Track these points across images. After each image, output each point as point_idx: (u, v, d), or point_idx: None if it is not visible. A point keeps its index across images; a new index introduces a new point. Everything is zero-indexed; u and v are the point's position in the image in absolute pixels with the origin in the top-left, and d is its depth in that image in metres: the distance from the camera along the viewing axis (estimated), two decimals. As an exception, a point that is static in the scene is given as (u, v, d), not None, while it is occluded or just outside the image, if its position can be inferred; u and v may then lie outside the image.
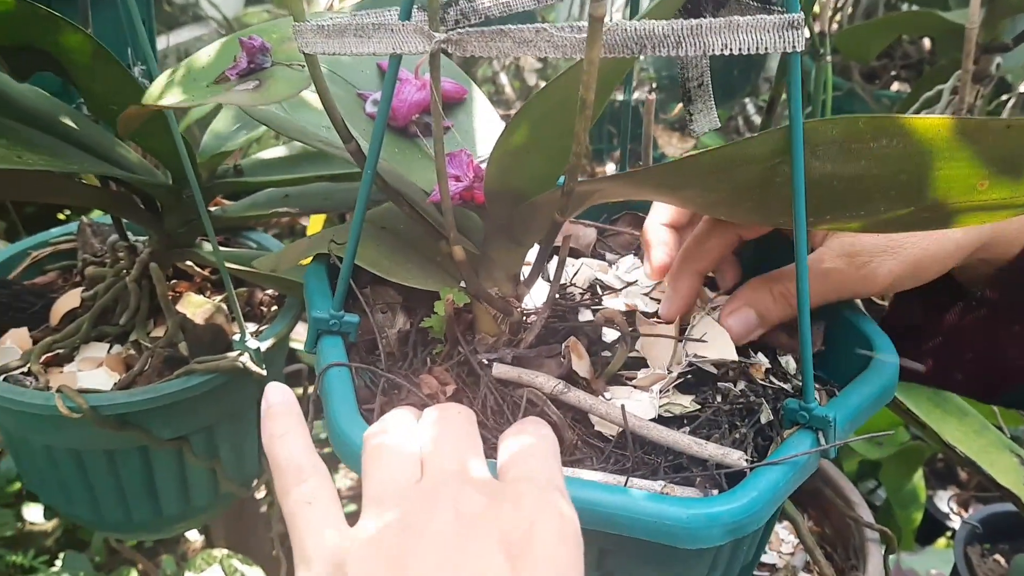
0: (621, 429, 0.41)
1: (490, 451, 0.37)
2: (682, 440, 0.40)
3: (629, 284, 0.52)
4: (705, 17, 0.38)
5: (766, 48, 0.34)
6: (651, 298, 0.51)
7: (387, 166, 0.48)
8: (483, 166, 0.42)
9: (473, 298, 0.45)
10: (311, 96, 0.52)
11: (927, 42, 1.40)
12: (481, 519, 0.30)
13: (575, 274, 0.53)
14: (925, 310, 0.51)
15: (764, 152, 0.36)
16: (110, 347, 0.65)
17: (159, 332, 0.66)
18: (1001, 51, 0.89)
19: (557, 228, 0.41)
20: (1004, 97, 1.02)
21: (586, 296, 0.51)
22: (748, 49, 0.34)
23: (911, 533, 1.15)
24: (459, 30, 0.36)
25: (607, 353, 0.46)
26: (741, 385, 0.44)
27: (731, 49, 0.34)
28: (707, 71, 0.45)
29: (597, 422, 0.42)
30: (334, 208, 0.66)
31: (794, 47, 0.34)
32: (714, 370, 0.45)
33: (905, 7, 1.31)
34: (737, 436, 0.41)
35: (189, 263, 0.71)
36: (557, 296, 0.50)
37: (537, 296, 0.49)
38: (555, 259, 0.46)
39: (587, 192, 0.42)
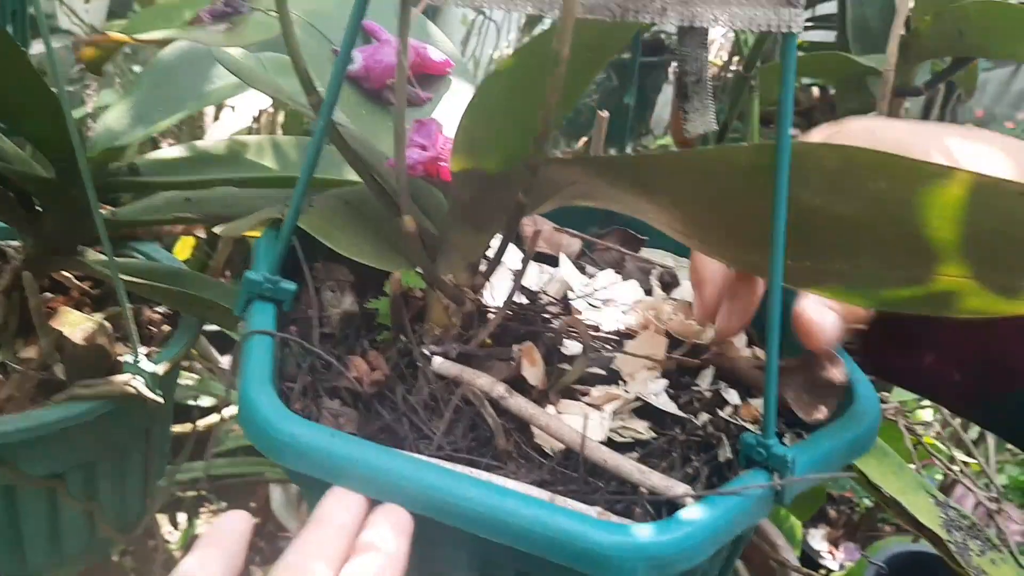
0: (564, 446, 0.38)
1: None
2: (626, 465, 0.37)
3: (605, 300, 0.50)
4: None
5: (758, 26, 0.31)
6: (625, 316, 0.49)
7: (351, 128, 0.45)
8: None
9: (427, 285, 0.42)
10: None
11: (816, 90, 1.47)
12: None
13: (548, 280, 0.51)
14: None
15: (750, 164, 0.33)
16: (-30, 369, 0.58)
17: (30, 352, 0.59)
18: (913, 95, 0.91)
19: (520, 212, 0.38)
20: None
21: (556, 305, 0.48)
22: (740, 25, 0.31)
23: (789, 572, 1.16)
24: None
25: (566, 366, 0.43)
26: (704, 418, 0.41)
27: (721, 23, 0.32)
28: (706, 66, 0.43)
29: (538, 434, 0.39)
30: (240, 215, 0.61)
31: (789, 27, 0.31)
32: (676, 406, 0.42)
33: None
34: (689, 470, 0.38)
35: (66, 274, 0.65)
36: (525, 300, 0.48)
37: (499, 294, 0.46)
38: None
39: (558, 179, 0.39)
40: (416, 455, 0.36)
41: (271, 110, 1.37)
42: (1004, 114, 2.72)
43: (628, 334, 0.47)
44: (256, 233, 0.47)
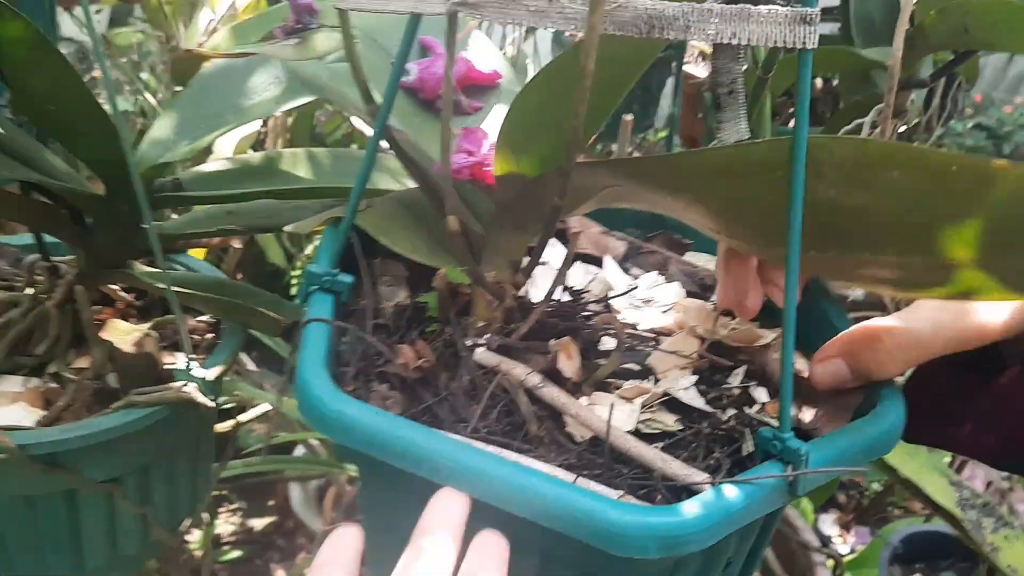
0: (592, 434, 0.40)
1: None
2: (649, 453, 0.39)
3: (646, 300, 0.52)
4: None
5: (775, 42, 0.33)
6: (664, 316, 0.50)
7: (405, 134, 0.48)
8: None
9: (472, 281, 0.45)
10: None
11: (819, 81, 1.47)
12: None
13: (591, 280, 0.53)
14: (959, 376, 0.48)
15: (767, 160, 0.34)
16: (25, 380, 0.59)
17: (81, 363, 0.61)
18: (919, 87, 0.93)
19: (556, 213, 0.40)
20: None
21: (597, 303, 0.51)
22: (757, 41, 0.33)
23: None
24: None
25: (602, 361, 0.45)
26: (730, 413, 0.43)
27: (740, 39, 0.33)
28: (739, 78, 0.44)
29: (570, 423, 0.41)
30: (279, 226, 0.62)
31: (804, 43, 0.33)
32: (703, 401, 0.43)
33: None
34: (711, 462, 0.40)
35: (113, 287, 0.66)
36: (568, 298, 0.50)
37: (542, 290, 0.48)
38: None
39: (588, 182, 0.41)
40: (452, 435, 0.38)
41: (278, 115, 1.38)
42: (1002, 98, 2.73)
43: (665, 333, 0.49)
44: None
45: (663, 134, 2.46)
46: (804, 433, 0.41)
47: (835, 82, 1.41)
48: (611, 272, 0.55)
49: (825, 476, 0.38)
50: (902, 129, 1.04)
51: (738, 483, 0.35)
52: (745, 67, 0.35)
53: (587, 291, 0.52)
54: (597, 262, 0.56)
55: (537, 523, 0.34)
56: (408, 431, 0.36)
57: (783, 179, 0.34)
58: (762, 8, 0.33)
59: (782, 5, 0.41)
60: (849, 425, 0.41)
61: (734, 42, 0.33)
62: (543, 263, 0.51)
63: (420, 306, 0.48)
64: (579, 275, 0.54)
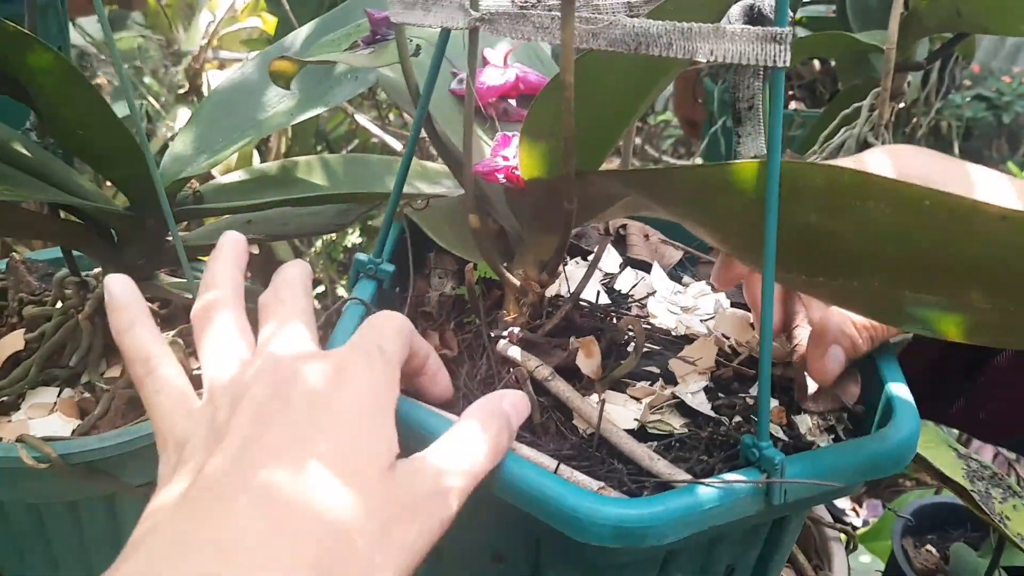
0: (592, 430, 0.42)
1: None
2: (638, 451, 0.40)
3: (684, 308, 0.53)
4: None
5: (748, 60, 0.33)
6: (701, 324, 0.51)
7: (448, 134, 0.50)
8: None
9: (498, 277, 0.47)
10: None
11: (817, 63, 1.48)
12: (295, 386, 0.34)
13: (635, 285, 0.55)
14: (954, 354, 0.49)
15: (743, 182, 0.34)
16: (59, 391, 0.62)
17: (113, 372, 0.64)
18: (915, 70, 0.94)
19: (569, 217, 0.42)
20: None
21: (633, 305, 0.52)
22: (730, 58, 0.34)
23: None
24: (492, 9, 0.38)
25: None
26: (736, 421, 0.43)
27: (717, 56, 0.34)
28: (759, 93, 0.45)
29: (576, 416, 0.43)
30: (296, 233, 0.64)
31: (774, 61, 0.33)
32: (709, 406, 0.44)
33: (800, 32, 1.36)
34: (705, 465, 0.40)
35: None
36: (607, 300, 0.52)
37: (588, 292, 0.51)
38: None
39: (605, 190, 0.42)
40: (443, 412, 0.40)
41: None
42: (1001, 68, 2.71)
43: (692, 339, 0.49)
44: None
45: (663, 116, 2.47)
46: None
47: (833, 62, 1.42)
48: (657, 278, 0.56)
49: (809, 488, 0.37)
50: (901, 106, 1.05)
51: (708, 485, 0.36)
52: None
53: (629, 295, 0.53)
54: (643, 265, 0.57)
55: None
56: (402, 406, 0.38)
57: (760, 200, 0.34)
58: (736, 27, 0.34)
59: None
60: (845, 442, 0.41)
61: (711, 59, 0.34)
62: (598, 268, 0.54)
63: (462, 297, 0.50)
64: (628, 279, 0.55)
